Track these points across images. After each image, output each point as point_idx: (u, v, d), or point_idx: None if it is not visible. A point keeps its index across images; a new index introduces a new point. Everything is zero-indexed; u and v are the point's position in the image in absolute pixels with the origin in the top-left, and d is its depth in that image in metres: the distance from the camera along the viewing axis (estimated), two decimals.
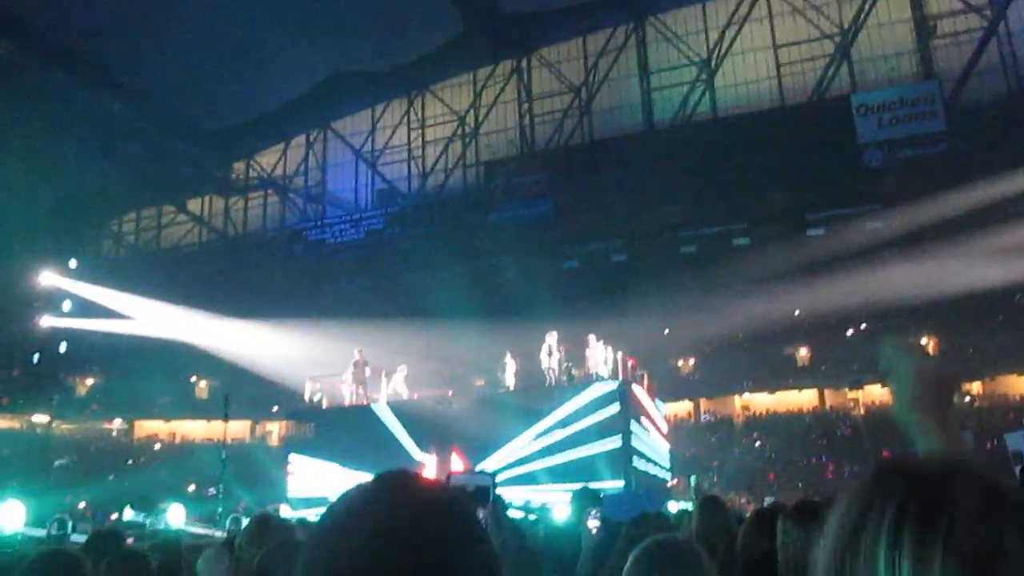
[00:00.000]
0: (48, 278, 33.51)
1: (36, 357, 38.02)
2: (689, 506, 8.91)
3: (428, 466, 18.06)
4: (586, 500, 4.81)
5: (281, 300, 40.08)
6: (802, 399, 37.33)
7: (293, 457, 21.46)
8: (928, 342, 35.85)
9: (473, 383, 26.82)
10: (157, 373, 39.19)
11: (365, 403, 21.15)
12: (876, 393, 35.79)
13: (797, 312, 35.04)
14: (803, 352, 38.56)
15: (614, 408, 18.36)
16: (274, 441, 41.85)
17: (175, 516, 15.80)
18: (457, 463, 18.04)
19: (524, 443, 18.70)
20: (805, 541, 2.39)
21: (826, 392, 37.32)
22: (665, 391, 27.71)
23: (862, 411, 35.35)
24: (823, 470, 31.37)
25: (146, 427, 44.34)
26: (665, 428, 24.44)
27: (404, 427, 19.58)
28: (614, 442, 18.01)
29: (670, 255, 40.45)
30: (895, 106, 38.10)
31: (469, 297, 33.16)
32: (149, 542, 8.15)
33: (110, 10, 35.46)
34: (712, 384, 38.67)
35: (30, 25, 36.65)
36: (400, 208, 47.02)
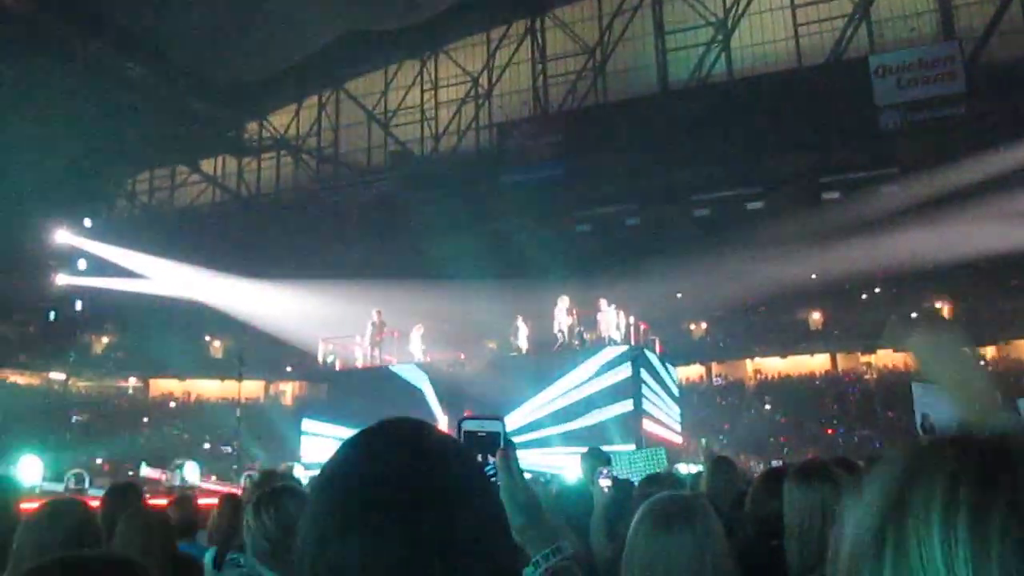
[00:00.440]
0: (63, 236, 33.69)
1: (52, 315, 38.38)
2: (699, 468, 8.97)
3: (441, 428, 18.19)
4: (596, 460, 4.86)
5: (294, 261, 40.22)
6: (814, 363, 37.34)
7: (307, 422, 21.66)
8: (943, 306, 35.73)
9: (485, 345, 26.94)
10: (172, 332, 39.50)
11: (378, 364, 21.31)
12: (889, 357, 35.79)
13: (811, 276, 34.89)
14: (816, 316, 38.50)
15: (626, 372, 18.43)
16: (288, 401, 42.30)
17: (190, 473, 16.02)
18: None
19: (536, 407, 18.82)
20: (812, 501, 2.41)
21: (839, 356, 37.30)
22: (677, 354, 27.77)
23: (875, 375, 35.34)
24: (834, 434, 31.45)
25: (161, 385, 44.82)
26: (676, 391, 24.53)
27: (418, 390, 19.74)
28: (625, 406, 18.11)
29: (684, 218, 40.28)
30: (914, 67, 37.49)
31: (481, 259, 33.15)
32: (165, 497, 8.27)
33: None
34: (724, 348, 38.73)
35: None
36: (413, 170, 46.85)
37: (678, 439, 22.54)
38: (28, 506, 3.37)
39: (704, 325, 39.78)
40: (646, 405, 19.03)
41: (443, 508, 0.88)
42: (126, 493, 4.39)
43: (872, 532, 0.74)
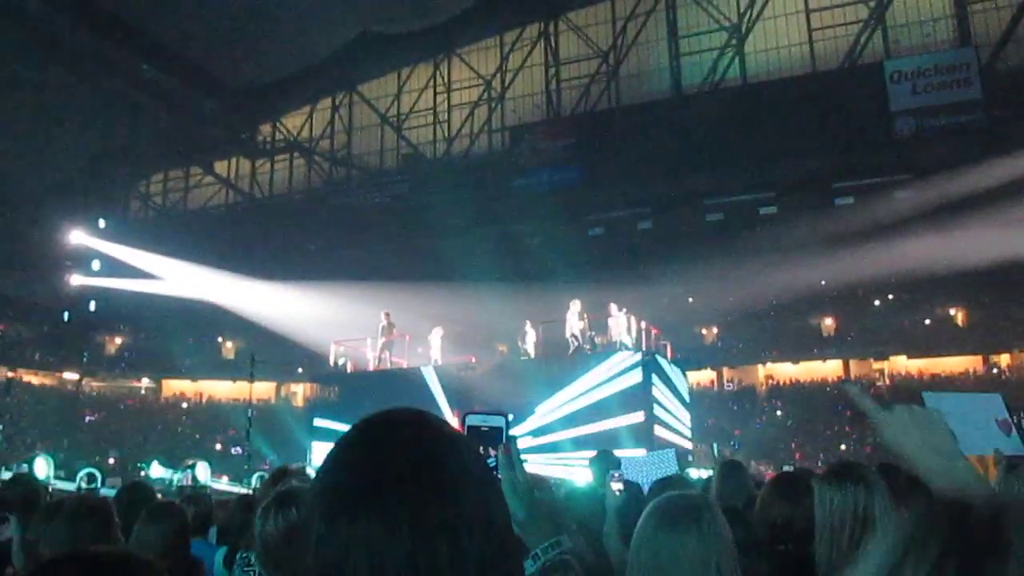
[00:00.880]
0: (77, 237, 33.90)
1: (67, 315, 38.62)
2: (710, 473, 8.95)
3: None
4: (607, 462, 4.87)
5: (306, 263, 40.38)
6: (826, 369, 37.16)
7: (319, 421, 21.68)
8: (956, 313, 35.53)
9: (496, 348, 26.94)
10: (184, 333, 39.74)
11: (388, 368, 21.30)
12: (901, 364, 35.61)
13: (823, 282, 34.74)
14: (828, 322, 38.32)
15: (637, 377, 18.38)
16: (299, 402, 42.38)
17: (201, 472, 16.09)
18: None
19: (546, 412, 18.79)
20: (845, 502, 2.41)
21: (851, 363, 37.10)
22: (688, 359, 27.68)
23: (887, 382, 35.15)
24: (847, 440, 31.29)
25: (173, 386, 45.04)
26: (687, 397, 24.45)
27: (428, 393, 19.73)
28: (636, 411, 18.06)
29: (696, 223, 40.19)
30: (929, 73, 37.33)
31: (493, 262, 33.18)
32: (177, 496, 8.31)
33: None
34: (735, 353, 38.57)
35: None
36: (425, 173, 46.94)
37: (689, 444, 22.47)
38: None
39: (716, 330, 39.65)
40: (657, 411, 18.96)
41: (449, 492, 0.89)
42: (139, 492, 4.42)
43: None
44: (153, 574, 1.10)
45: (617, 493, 3.38)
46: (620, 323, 19.65)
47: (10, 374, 39.30)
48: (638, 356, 18.75)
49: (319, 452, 20.74)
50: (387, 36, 45.04)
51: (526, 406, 18.72)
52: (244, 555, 3.31)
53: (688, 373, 26.39)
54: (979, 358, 34.50)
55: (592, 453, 5.56)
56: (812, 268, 33.13)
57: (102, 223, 36.06)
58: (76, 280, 34.97)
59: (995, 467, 3.36)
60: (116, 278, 35.45)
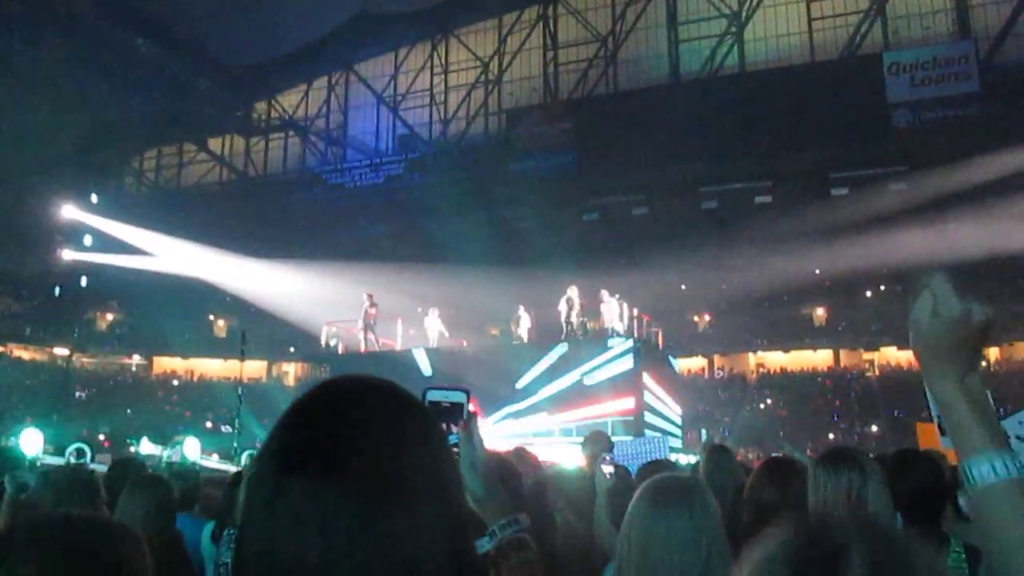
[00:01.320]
0: (69, 212, 33.73)
1: (57, 290, 38.49)
2: (698, 458, 8.97)
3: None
4: (599, 444, 4.85)
5: (300, 242, 40.24)
6: (817, 359, 37.32)
7: None
8: None
9: (488, 332, 26.97)
10: (176, 310, 39.62)
11: (376, 349, 21.30)
12: (892, 355, 35.78)
13: (816, 271, 34.82)
14: (820, 312, 38.48)
15: (627, 364, 18.44)
16: (290, 382, 42.41)
17: (190, 449, 16.06)
18: None
19: (537, 396, 18.85)
20: (839, 486, 2.41)
21: (842, 352, 37.28)
22: (679, 346, 27.77)
23: (877, 372, 35.34)
24: (834, 429, 31.48)
25: (164, 363, 45.00)
26: (678, 384, 24.55)
27: (420, 375, 19.74)
28: (627, 397, 18.13)
29: (692, 210, 40.17)
30: (928, 66, 37.26)
31: (487, 246, 33.14)
32: (167, 472, 8.31)
33: None
34: (727, 341, 38.73)
35: None
36: (420, 154, 46.79)
37: (679, 431, 22.56)
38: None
39: (708, 317, 39.76)
40: (647, 397, 19.03)
41: (407, 457, 0.86)
42: (129, 467, 4.41)
43: None
44: (128, 540, 1.09)
45: (608, 476, 3.39)
46: (612, 309, 19.70)
47: (0, 349, 39.21)
48: (630, 344, 18.81)
49: None
50: (385, 15, 44.74)
51: (517, 390, 18.77)
52: (231, 532, 3.30)
53: (679, 359, 26.51)
54: None
55: (580, 439, 5.56)
56: (805, 258, 33.23)
57: (95, 198, 35.89)
58: (68, 255, 34.84)
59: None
60: (108, 254, 35.31)
